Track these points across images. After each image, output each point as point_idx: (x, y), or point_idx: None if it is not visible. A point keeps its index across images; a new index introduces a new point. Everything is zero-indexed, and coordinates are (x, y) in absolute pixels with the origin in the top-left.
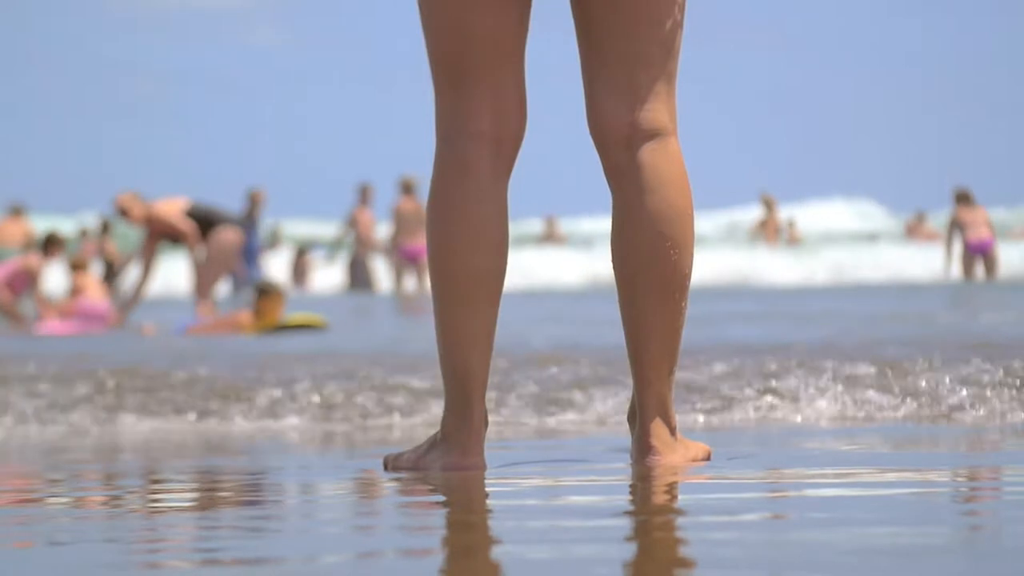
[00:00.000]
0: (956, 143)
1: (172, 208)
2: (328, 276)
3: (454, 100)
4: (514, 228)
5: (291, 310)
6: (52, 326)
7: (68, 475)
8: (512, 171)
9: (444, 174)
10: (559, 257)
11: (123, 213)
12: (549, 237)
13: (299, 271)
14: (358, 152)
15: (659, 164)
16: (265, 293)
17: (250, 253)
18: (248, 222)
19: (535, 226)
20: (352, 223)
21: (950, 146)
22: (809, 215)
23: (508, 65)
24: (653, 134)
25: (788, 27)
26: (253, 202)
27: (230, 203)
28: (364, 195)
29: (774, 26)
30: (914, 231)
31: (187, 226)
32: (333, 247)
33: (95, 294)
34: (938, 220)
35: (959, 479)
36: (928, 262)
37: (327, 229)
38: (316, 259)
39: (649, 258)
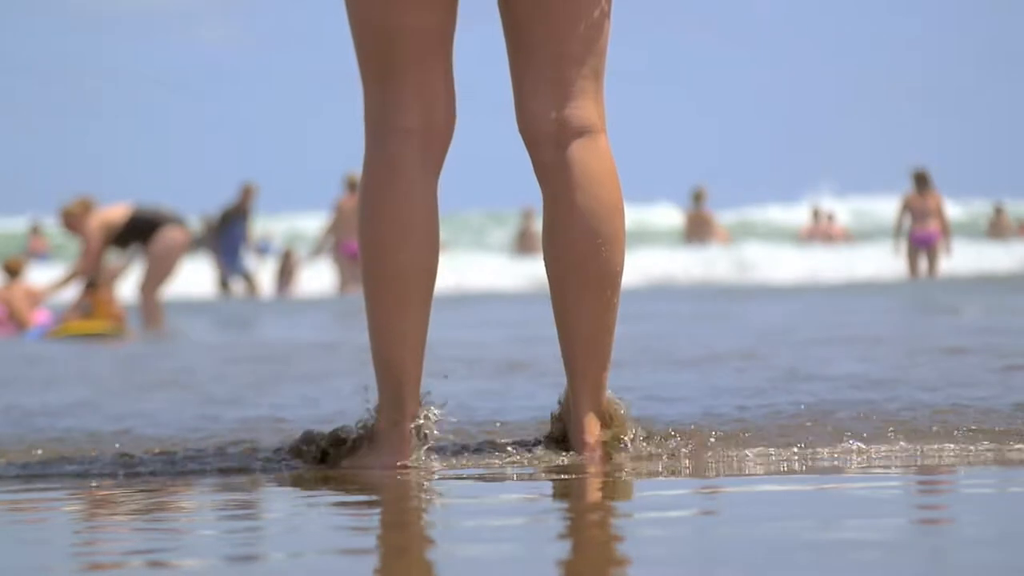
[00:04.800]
0: (931, 141)
1: (110, 216)
2: (316, 279)
3: (381, 96)
4: (499, 221)
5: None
6: None
7: None
8: (442, 167)
9: (373, 172)
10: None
11: (68, 222)
12: (526, 233)
13: (286, 272)
14: (351, 150)
15: (588, 161)
16: (94, 287)
17: (233, 244)
18: (238, 214)
19: (514, 222)
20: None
21: (916, 144)
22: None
23: (435, 60)
24: (581, 131)
25: (776, 25)
26: (245, 194)
27: (219, 199)
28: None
29: (764, 23)
30: (821, 227)
31: (95, 244)
32: (319, 245)
33: (19, 315)
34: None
35: (890, 474)
36: (838, 262)
37: (313, 224)
38: (301, 256)
39: (580, 255)
